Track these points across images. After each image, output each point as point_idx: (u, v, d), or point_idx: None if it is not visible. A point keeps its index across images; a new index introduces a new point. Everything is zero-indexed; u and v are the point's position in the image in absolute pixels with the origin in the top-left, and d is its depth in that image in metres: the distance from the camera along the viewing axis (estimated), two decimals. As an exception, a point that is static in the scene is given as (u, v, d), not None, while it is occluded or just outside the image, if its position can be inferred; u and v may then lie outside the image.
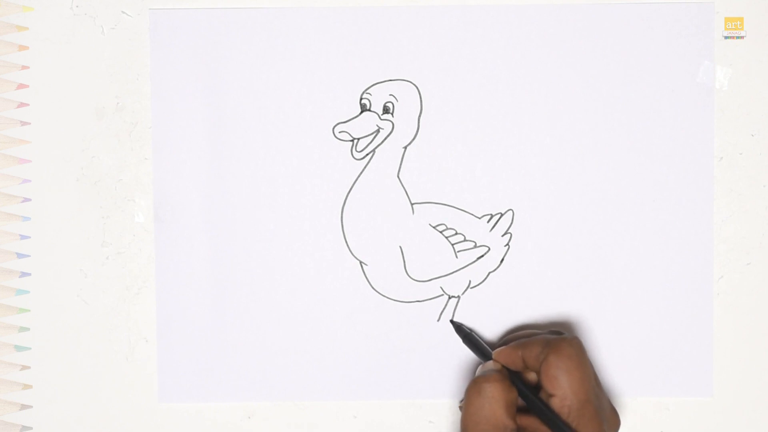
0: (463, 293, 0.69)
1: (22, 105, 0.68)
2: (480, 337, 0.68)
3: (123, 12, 0.68)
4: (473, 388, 0.61)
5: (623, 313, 0.68)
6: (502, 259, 0.68)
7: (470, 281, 0.68)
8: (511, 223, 0.68)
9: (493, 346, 0.67)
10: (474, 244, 0.68)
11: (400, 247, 0.68)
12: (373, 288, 0.68)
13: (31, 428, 0.69)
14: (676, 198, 0.68)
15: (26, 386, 0.69)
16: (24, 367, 0.68)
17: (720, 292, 0.69)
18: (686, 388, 0.69)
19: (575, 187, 0.68)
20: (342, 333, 0.68)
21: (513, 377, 0.63)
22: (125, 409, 0.69)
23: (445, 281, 0.68)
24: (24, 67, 0.68)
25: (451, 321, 0.68)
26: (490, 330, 0.69)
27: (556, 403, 0.60)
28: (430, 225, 0.68)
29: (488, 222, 0.68)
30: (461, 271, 0.68)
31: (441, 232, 0.68)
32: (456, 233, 0.68)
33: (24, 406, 0.69)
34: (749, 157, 0.69)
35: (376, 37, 0.68)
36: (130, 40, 0.68)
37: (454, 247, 0.68)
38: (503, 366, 0.63)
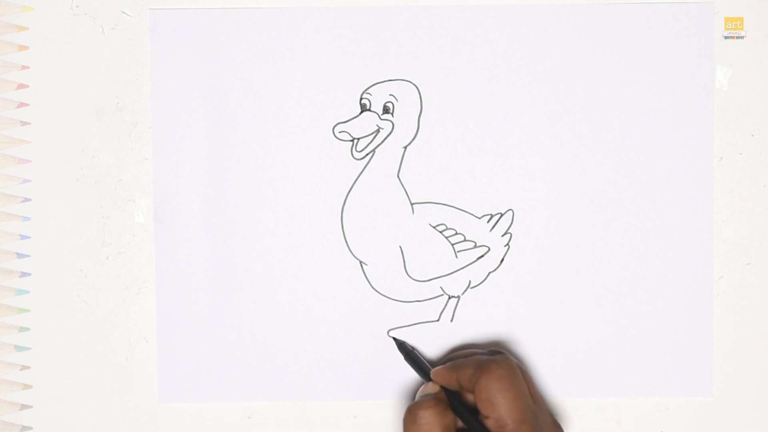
0: (463, 293, 0.69)
1: (22, 105, 0.68)
2: (422, 356, 0.68)
3: (123, 12, 0.68)
4: (408, 416, 0.61)
5: (623, 313, 0.68)
6: (502, 259, 0.68)
7: (470, 281, 0.68)
8: (511, 223, 0.68)
9: (435, 365, 0.66)
10: (474, 244, 0.68)
11: (400, 247, 0.68)
12: (373, 288, 0.68)
13: (31, 428, 0.69)
14: (676, 198, 0.68)
15: (26, 386, 0.69)
16: (24, 367, 0.68)
17: (720, 292, 0.69)
18: (686, 388, 0.69)
19: (575, 187, 0.68)
20: (342, 333, 0.68)
21: (452, 398, 0.63)
22: (125, 409, 0.69)
23: (445, 281, 0.68)
24: (24, 67, 0.68)
25: (394, 338, 0.68)
26: (489, 330, 0.68)
27: (492, 425, 0.59)
28: (430, 225, 0.68)
29: (488, 222, 0.68)
30: (461, 271, 0.68)
31: (441, 232, 0.68)
32: (456, 233, 0.68)
33: (24, 406, 0.69)
34: (749, 157, 0.69)
35: (376, 37, 0.68)
36: (130, 40, 0.68)
37: (454, 247, 0.68)
38: (442, 387, 0.64)
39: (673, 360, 0.69)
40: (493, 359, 0.61)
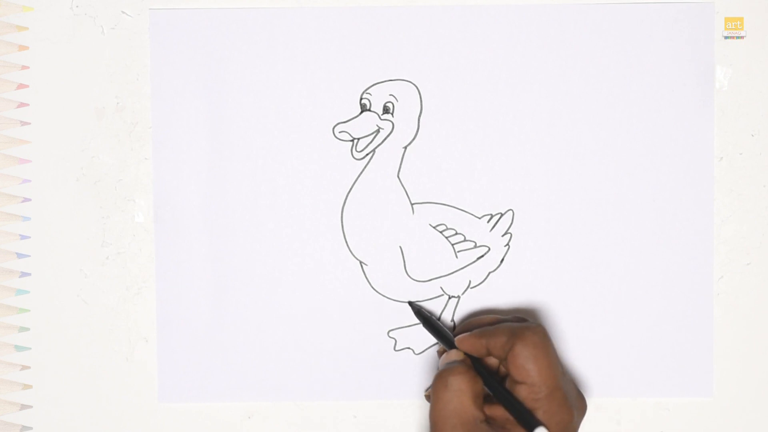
0: (463, 293, 0.69)
1: (22, 105, 0.68)
2: (441, 322, 0.68)
3: (123, 12, 0.68)
4: (439, 381, 0.61)
5: (623, 313, 0.68)
6: (502, 259, 0.69)
7: (470, 281, 0.68)
8: (511, 223, 0.68)
9: (454, 330, 0.66)
10: (474, 244, 0.68)
11: (400, 247, 0.68)
12: (373, 288, 0.68)
13: (31, 428, 0.69)
14: (676, 198, 0.68)
15: (26, 386, 0.69)
16: (24, 367, 0.68)
17: (720, 292, 0.69)
18: (686, 388, 0.69)
19: (575, 187, 0.68)
20: (342, 333, 0.68)
21: (477, 365, 0.63)
22: (125, 409, 0.69)
23: (445, 281, 0.68)
24: (24, 67, 0.68)
25: (410, 303, 0.68)
26: (490, 330, 0.69)
27: (525, 392, 0.60)
28: (430, 225, 0.68)
29: (488, 222, 0.68)
30: (461, 271, 0.68)
31: (441, 232, 0.68)
32: (456, 233, 0.68)
33: (24, 406, 0.69)
34: (749, 157, 0.69)
35: (376, 37, 0.68)
36: (130, 40, 0.68)
37: (454, 247, 0.68)
38: (466, 354, 0.64)
39: (673, 360, 0.69)
40: (527, 326, 0.61)
